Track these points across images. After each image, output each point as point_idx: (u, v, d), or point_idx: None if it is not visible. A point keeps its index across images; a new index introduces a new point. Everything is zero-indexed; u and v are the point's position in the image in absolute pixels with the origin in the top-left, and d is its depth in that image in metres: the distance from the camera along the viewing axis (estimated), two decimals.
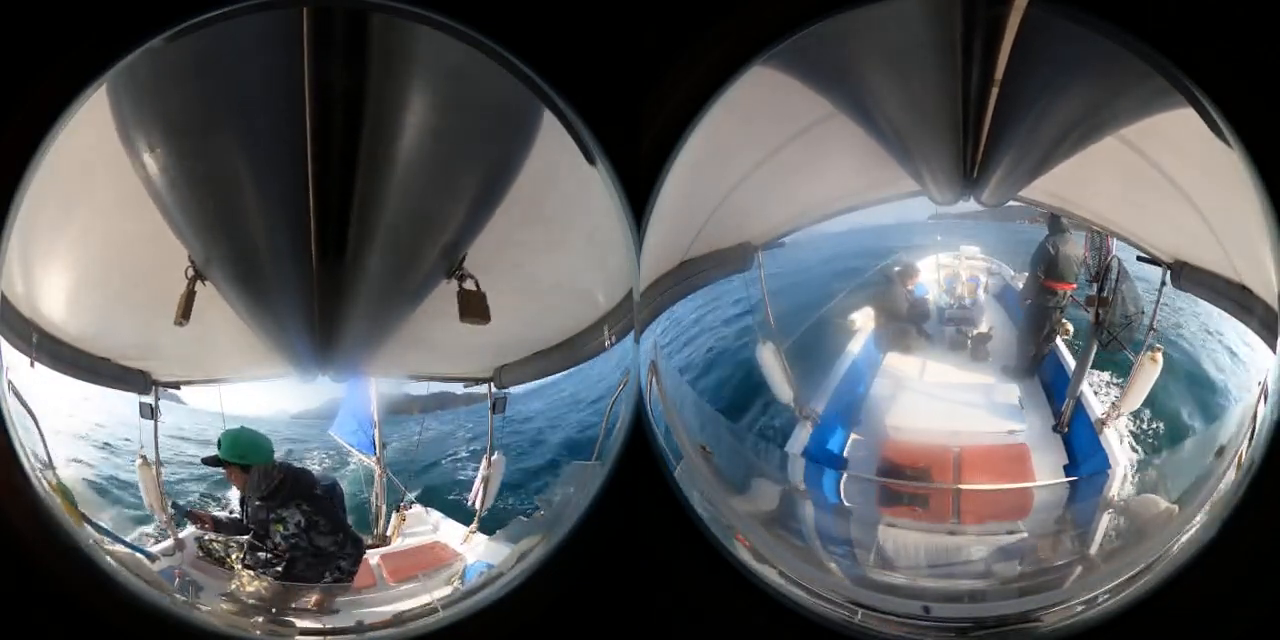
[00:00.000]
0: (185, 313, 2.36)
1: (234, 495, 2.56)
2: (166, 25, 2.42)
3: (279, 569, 2.55)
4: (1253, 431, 2.53)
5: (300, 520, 2.55)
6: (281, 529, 2.55)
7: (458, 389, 2.49)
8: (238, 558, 2.56)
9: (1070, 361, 2.53)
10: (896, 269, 2.55)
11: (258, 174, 2.36)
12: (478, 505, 2.54)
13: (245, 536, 2.56)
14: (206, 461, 2.49)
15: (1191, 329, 2.48)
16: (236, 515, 2.56)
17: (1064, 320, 2.54)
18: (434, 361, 2.47)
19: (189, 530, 2.55)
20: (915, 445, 2.53)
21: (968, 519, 2.55)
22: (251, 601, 2.56)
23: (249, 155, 2.36)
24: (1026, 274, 2.54)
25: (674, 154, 2.58)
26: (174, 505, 2.52)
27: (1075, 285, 2.52)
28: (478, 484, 2.53)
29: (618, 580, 2.63)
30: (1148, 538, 2.55)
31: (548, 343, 2.51)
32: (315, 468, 2.55)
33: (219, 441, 2.47)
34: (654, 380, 2.63)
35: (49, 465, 2.50)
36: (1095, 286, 2.50)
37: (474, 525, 2.56)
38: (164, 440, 2.46)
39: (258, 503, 2.55)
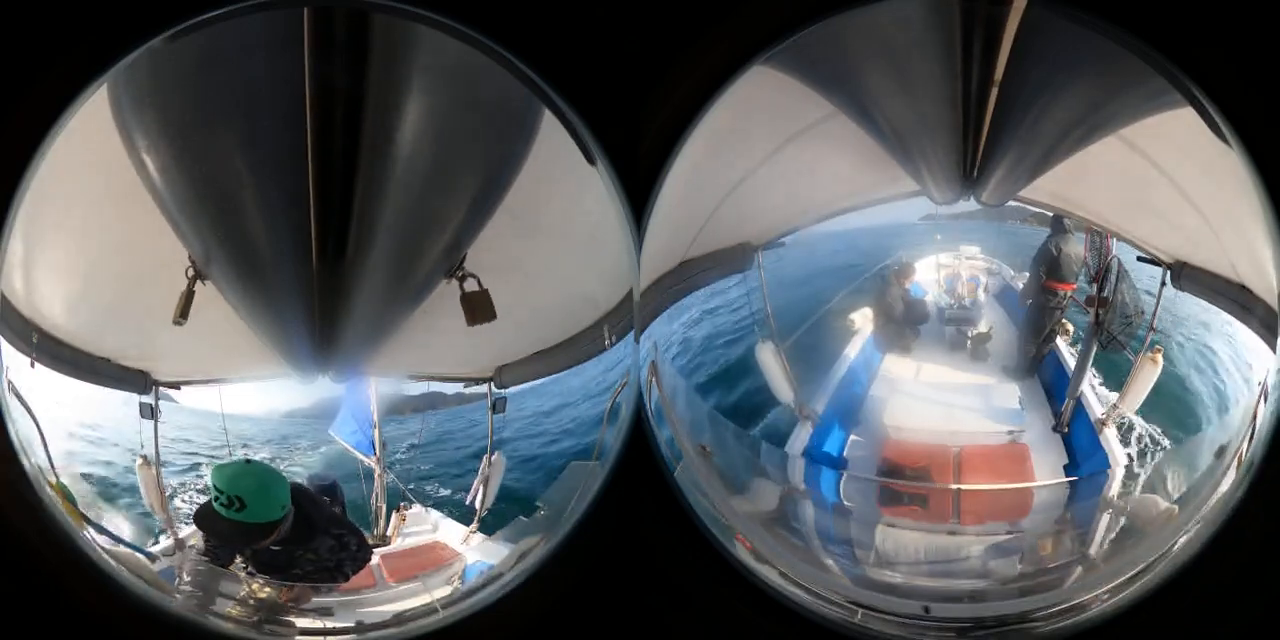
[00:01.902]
0: (184, 312, 2.36)
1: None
2: (166, 25, 2.42)
3: (294, 583, 2.54)
4: (1253, 431, 2.53)
5: (334, 545, 2.51)
6: (312, 556, 2.50)
7: (457, 389, 2.49)
8: (237, 565, 2.55)
9: (1070, 361, 2.53)
10: (896, 269, 2.55)
11: (258, 174, 2.36)
12: (478, 505, 2.54)
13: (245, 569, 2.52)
14: (210, 530, 2.35)
15: (1191, 329, 2.48)
16: (211, 562, 2.48)
17: (1064, 320, 2.54)
18: (434, 361, 2.47)
19: (189, 530, 2.55)
20: (915, 445, 2.53)
21: (968, 519, 2.55)
22: (252, 602, 2.56)
23: (249, 155, 2.36)
24: (1028, 274, 2.53)
25: (674, 154, 2.58)
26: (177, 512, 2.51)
27: (1075, 286, 2.52)
28: (477, 484, 2.53)
29: (618, 580, 2.63)
30: (1148, 538, 2.55)
31: (548, 343, 2.51)
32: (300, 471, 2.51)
33: (231, 500, 2.25)
34: (654, 380, 2.63)
35: (49, 465, 2.50)
36: (1095, 287, 2.50)
37: (474, 525, 2.56)
38: (164, 440, 2.46)
39: (276, 548, 2.47)
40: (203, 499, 2.45)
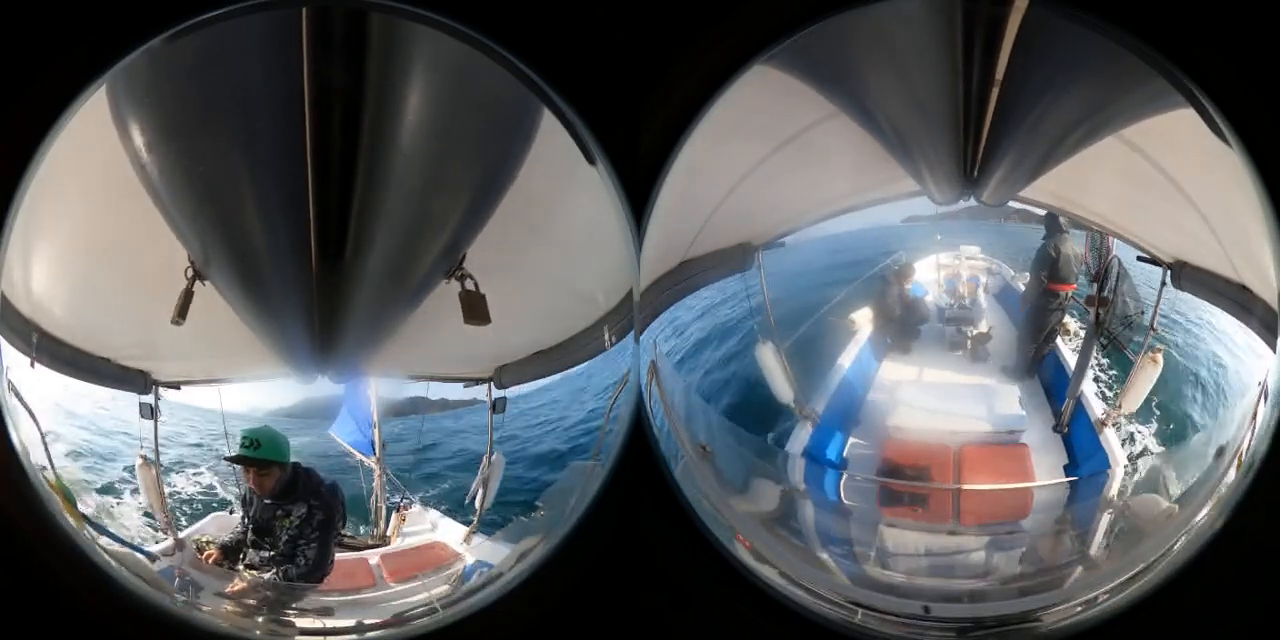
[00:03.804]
0: (182, 312, 2.36)
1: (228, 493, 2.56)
2: (166, 25, 2.42)
3: (283, 566, 2.55)
4: (1253, 431, 2.53)
5: (304, 514, 2.56)
6: (287, 523, 2.56)
7: (458, 389, 2.49)
8: (239, 556, 2.56)
9: (1070, 361, 2.53)
10: (896, 269, 2.55)
11: (257, 174, 2.36)
12: (478, 505, 2.54)
13: (247, 537, 2.57)
14: (234, 460, 2.49)
15: (1191, 329, 2.48)
16: (238, 528, 2.57)
17: (1064, 320, 2.54)
18: (434, 361, 2.47)
19: (189, 530, 2.55)
20: (915, 445, 2.53)
21: (968, 519, 2.55)
22: (251, 601, 2.56)
23: (248, 155, 2.36)
24: (1028, 276, 2.53)
25: (674, 154, 2.58)
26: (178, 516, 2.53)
27: (1076, 286, 2.53)
28: (477, 484, 2.53)
29: (618, 580, 2.63)
30: (1148, 538, 2.55)
31: (548, 343, 2.51)
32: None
33: (251, 441, 2.47)
34: (654, 380, 2.63)
35: (49, 465, 2.50)
36: (1095, 287, 2.50)
37: (474, 525, 2.56)
38: (164, 440, 2.46)
39: (268, 501, 2.55)
40: (200, 501, 2.54)
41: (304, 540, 2.56)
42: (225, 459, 2.49)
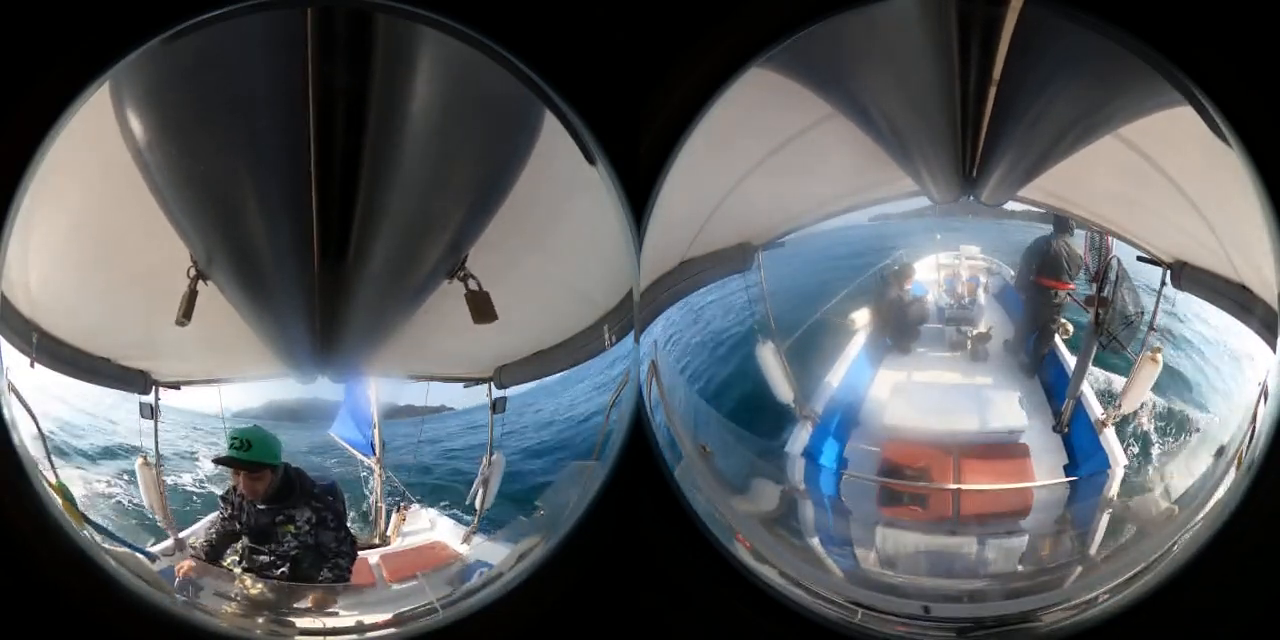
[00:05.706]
0: (187, 312, 2.36)
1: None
2: (167, 25, 2.42)
3: (284, 570, 2.55)
4: (1253, 431, 2.53)
5: (311, 517, 2.55)
6: (292, 528, 2.54)
7: (458, 389, 2.49)
8: (234, 561, 2.56)
9: (1070, 361, 2.53)
10: (896, 269, 2.55)
11: (259, 174, 2.36)
12: (478, 505, 2.54)
13: (241, 540, 2.56)
14: (223, 462, 2.47)
15: (1191, 329, 2.48)
16: (223, 527, 2.55)
17: (1064, 320, 2.54)
18: (434, 362, 2.47)
19: (189, 531, 2.55)
20: (915, 445, 2.54)
21: (968, 519, 2.55)
22: (252, 602, 2.56)
23: (251, 155, 2.37)
24: (1020, 266, 2.54)
25: (674, 154, 2.58)
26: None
27: (1071, 284, 2.53)
28: (477, 484, 2.53)
29: (618, 580, 2.63)
30: (1148, 538, 2.55)
31: (548, 343, 2.51)
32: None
33: (242, 442, 2.44)
34: (654, 380, 2.63)
35: (49, 465, 2.50)
36: (1095, 286, 2.50)
37: (474, 525, 2.56)
38: (165, 440, 2.46)
39: (262, 507, 2.54)
40: (201, 499, 2.54)
41: (337, 542, 2.55)
42: (214, 461, 2.47)
